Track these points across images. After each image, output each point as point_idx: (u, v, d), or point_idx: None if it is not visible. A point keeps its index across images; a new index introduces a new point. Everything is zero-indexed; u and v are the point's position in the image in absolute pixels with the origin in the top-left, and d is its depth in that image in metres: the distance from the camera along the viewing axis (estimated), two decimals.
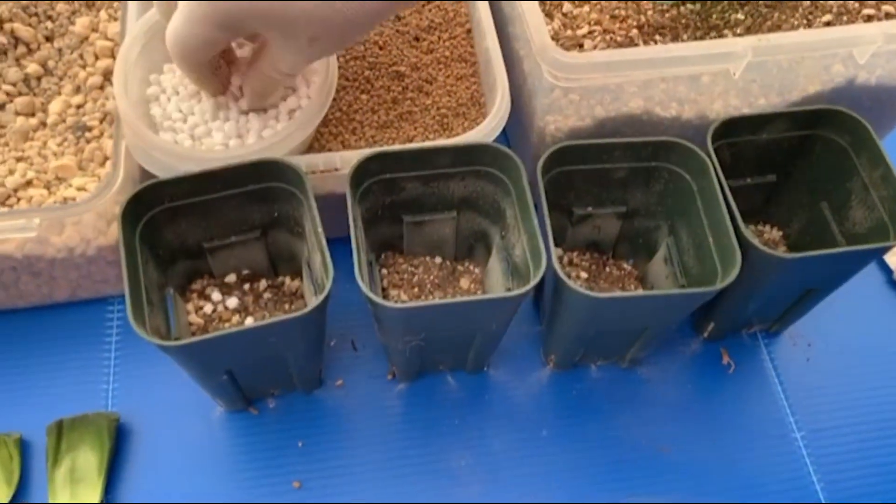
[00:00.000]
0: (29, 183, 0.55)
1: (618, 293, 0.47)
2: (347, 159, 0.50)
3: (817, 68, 0.54)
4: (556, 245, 0.56)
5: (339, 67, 0.56)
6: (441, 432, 0.54)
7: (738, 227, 0.46)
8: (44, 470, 0.51)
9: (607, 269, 0.56)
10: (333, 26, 0.41)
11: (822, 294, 0.54)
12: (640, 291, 0.48)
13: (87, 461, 0.51)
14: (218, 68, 0.49)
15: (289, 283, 0.54)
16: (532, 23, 0.49)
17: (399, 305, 0.42)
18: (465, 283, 0.54)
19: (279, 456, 0.53)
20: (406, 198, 0.51)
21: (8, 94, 0.60)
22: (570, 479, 0.52)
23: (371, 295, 0.42)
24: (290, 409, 0.54)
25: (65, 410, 0.52)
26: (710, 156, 0.49)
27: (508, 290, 0.50)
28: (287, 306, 0.53)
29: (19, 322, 0.57)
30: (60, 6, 0.64)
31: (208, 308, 0.52)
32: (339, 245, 0.47)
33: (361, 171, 0.47)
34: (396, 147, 0.48)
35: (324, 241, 0.45)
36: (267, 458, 0.52)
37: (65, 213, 0.48)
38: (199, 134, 0.51)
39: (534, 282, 0.43)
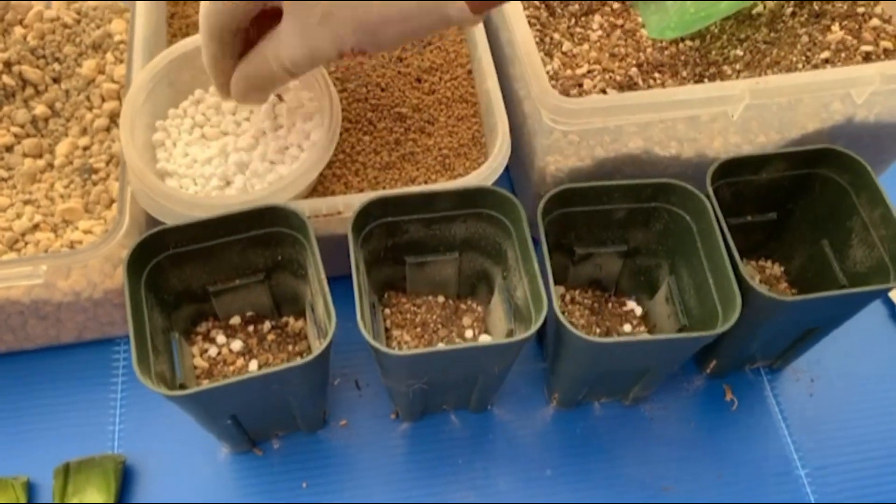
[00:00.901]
0: (36, 227, 0.55)
1: (617, 338, 0.47)
2: (350, 203, 0.50)
3: (816, 107, 0.54)
4: (558, 283, 0.56)
5: (343, 110, 0.57)
6: (445, 472, 0.54)
7: (738, 269, 0.47)
8: None
9: (609, 305, 0.57)
10: (351, 8, 0.37)
11: (824, 332, 0.54)
12: (640, 336, 0.48)
13: None
14: (236, 52, 0.45)
15: (293, 323, 0.55)
16: (531, 67, 0.50)
17: (402, 353, 0.43)
18: (467, 321, 0.55)
19: (284, 497, 0.53)
20: (408, 240, 0.52)
21: (16, 135, 0.61)
22: None
23: (374, 343, 0.42)
24: (294, 449, 0.55)
25: (71, 452, 0.53)
26: (709, 197, 0.49)
27: (511, 331, 0.50)
28: (291, 347, 0.53)
29: (27, 363, 0.57)
30: (68, 48, 0.65)
31: (213, 351, 0.52)
32: (341, 284, 0.48)
33: (364, 216, 0.48)
34: (398, 191, 0.48)
35: (326, 288, 0.45)
36: (272, 500, 0.53)
37: (71, 260, 0.49)
38: (204, 179, 0.51)
39: (535, 327, 0.44)
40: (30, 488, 0.52)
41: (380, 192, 0.48)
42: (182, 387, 0.48)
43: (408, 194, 0.48)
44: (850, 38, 0.59)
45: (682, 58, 0.61)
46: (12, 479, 0.52)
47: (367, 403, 0.57)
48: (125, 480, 0.53)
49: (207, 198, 0.49)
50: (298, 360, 0.42)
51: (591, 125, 0.50)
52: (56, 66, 0.64)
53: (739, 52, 0.61)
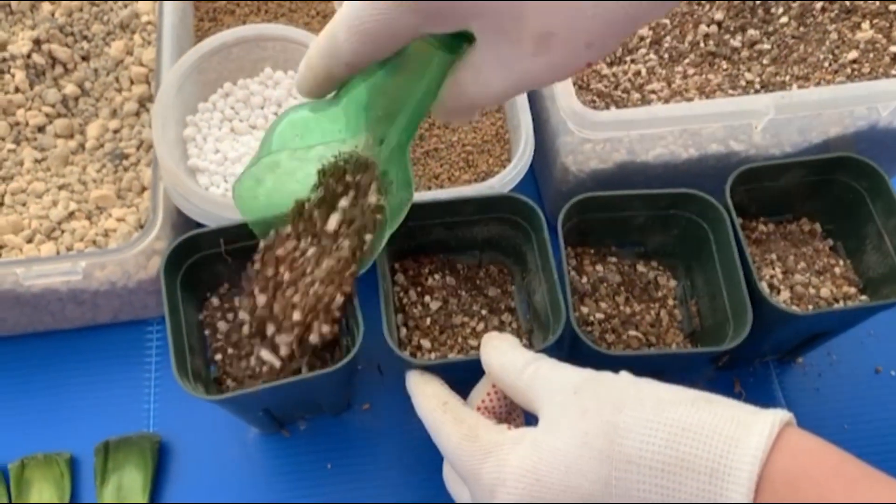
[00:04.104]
0: (71, 215, 0.57)
1: (631, 351, 0.49)
2: None
3: (840, 113, 0.54)
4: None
5: None
6: None
7: (752, 282, 0.48)
8: (93, 487, 0.55)
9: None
10: (583, 20, 0.29)
11: (835, 334, 0.55)
12: (652, 350, 0.50)
13: (133, 480, 0.55)
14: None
15: None
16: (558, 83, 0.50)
17: (427, 362, 0.45)
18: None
19: (310, 477, 0.56)
20: (431, 240, 0.53)
21: (47, 115, 0.63)
22: None
23: (403, 355, 0.44)
24: (319, 431, 0.57)
25: (110, 429, 0.56)
26: (727, 208, 0.50)
27: (530, 330, 0.52)
28: None
29: (64, 343, 0.60)
30: (96, 27, 0.65)
31: None
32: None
33: None
34: (423, 198, 0.50)
35: (354, 295, 0.47)
36: (298, 479, 0.56)
37: (108, 258, 0.51)
38: (234, 177, 0.53)
39: (553, 338, 0.46)
40: (72, 464, 0.56)
41: None
42: (217, 381, 0.51)
43: (432, 202, 0.50)
44: (879, 36, 0.59)
45: (709, 50, 0.61)
46: (56, 455, 0.55)
47: (388, 387, 0.59)
48: (160, 458, 0.56)
49: None
50: (327, 368, 0.45)
51: (615, 135, 0.50)
52: (84, 44, 0.65)
53: (767, 46, 0.61)
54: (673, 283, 0.55)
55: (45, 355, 0.60)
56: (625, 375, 0.38)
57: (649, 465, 0.33)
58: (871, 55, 0.58)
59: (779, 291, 0.52)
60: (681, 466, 0.33)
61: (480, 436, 0.39)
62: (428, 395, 0.44)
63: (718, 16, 0.61)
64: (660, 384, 0.37)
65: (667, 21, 0.61)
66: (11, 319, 0.57)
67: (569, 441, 0.35)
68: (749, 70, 0.60)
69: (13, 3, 0.65)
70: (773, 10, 0.61)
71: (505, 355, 0.41)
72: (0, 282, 0.52)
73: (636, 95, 0.57)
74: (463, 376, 0.50)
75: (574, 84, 0.53)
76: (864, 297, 0.52)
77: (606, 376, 0.38)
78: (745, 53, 0.61)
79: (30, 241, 0.56)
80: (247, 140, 0.55)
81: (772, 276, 0.53)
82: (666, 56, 0.61)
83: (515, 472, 0.36)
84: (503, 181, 0.52)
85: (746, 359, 0.60)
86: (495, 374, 0.42)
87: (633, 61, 0.60)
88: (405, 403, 0.58)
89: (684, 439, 0.33)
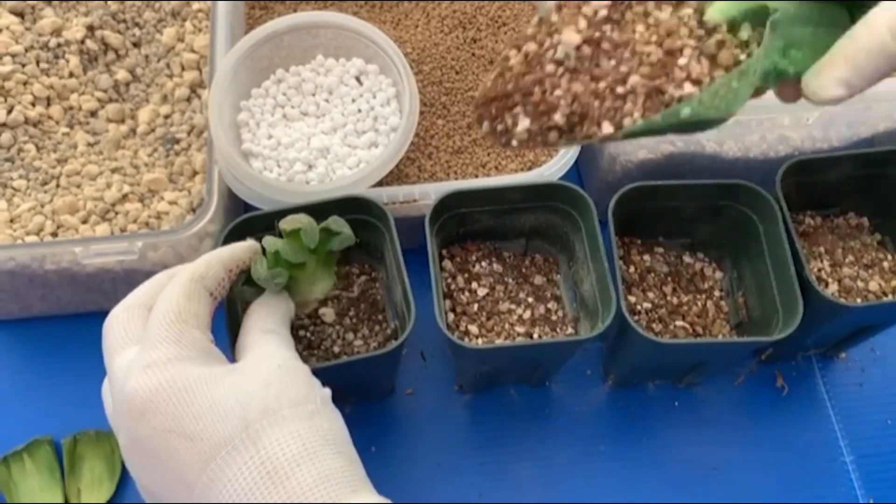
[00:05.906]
0: (125, 197, 0.58)
1: (681, 340, 0.49)
2: (425, 192, 0.52)
3: (890, 108, 0.54)
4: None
5: (418, 93, 0.58)
6: (504, 442, 0.58)
7: (802, 273, 0.48)
8: None
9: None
10: None
11: (881, 328, 0.55)
12: (701, 339, 0.50)
13: None
14: None
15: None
16: None
17: (476, 346, 0.45)
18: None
19: None
20: (478, 228, 0.54)
21: (100, 100, 0.64)
22: (624, 494, 0.56)
23: (454, 338, 0.45)
24: (364, 415, 0.58)
25: None
26: (778, 199, 0.50)
27: (575, 318, 0.53)
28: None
29: None
30: (148, 14, 0.66)
31: None
32: (407, 258, 0.50)
33: (439, 209, 0.50)
34: (473, 185, 0.50)
35: (406, 277, 0.48)
36: None
37: (163, 239, 0.52)
38: (288, 163, 0.54)
39: (603, 326, 0.46)
40: None
41: (455, 186, 0.50)
42: None
43: (482, 188, 0.50)
44: None
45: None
46: (107, 432, 0.56)
47: (431, 374, 0.60)
48: None
49: (295, 185, 0.52)
50: (381, 350, 0.45)
51: None
52: (136, 31, 0.66)
53: None
54: (719, 274, 0.55)
55: (97, 334, 0.61)
56: None
57: None
58: None
59: (827, 284, 0.52)
60: None
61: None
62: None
63: None
64: None
65: None
66: (66, 298, 0.58)
67: None
68: None
69: None
70: None
71: None
72: (58, 260, 0.53)
73: None
74: (510, 362, 0.51)
75: None
76: None
77: None
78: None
79: (85, 221, 0.57)
80: (299, 126, 0.55)
81: (819, 269, 0.53)
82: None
83: None
84: (551, 170, 0.53)
85: (789, 353, 0.60)
86: None
87: None
88: (448, 389, 0.60)
89: None
